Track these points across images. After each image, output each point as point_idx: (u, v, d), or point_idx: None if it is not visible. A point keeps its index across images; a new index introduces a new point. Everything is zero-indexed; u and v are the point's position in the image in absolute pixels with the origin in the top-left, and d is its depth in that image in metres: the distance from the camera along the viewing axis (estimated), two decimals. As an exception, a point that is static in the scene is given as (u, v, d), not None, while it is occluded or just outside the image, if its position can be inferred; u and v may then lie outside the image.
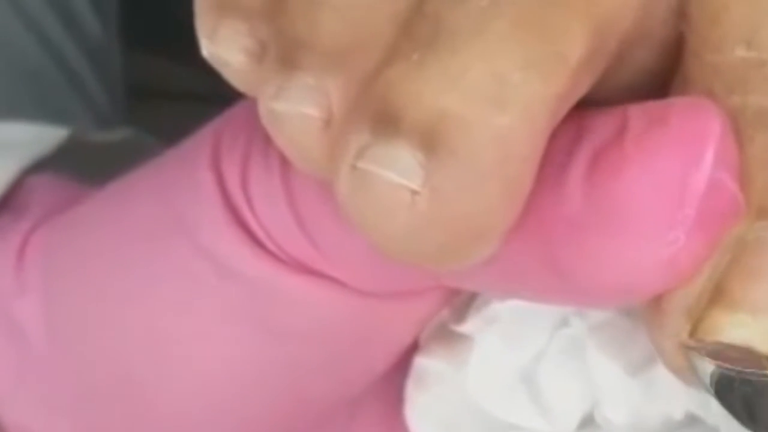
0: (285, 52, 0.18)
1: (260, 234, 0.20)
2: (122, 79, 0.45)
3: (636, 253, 0.17)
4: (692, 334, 0.17)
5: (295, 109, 0.17)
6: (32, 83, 0.41)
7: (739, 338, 0.16)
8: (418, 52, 0.16)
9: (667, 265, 0.17)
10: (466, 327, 0.22)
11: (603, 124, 0.17)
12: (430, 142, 0.16)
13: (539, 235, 0.17)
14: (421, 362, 0.22)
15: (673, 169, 0.16)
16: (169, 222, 0.21)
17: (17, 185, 0.25)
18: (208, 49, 0.19)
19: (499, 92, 0.16)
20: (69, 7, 0.43)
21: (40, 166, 0.26)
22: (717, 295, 0.17)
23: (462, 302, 0.22)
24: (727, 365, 0.17)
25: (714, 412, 0.20)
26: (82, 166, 0.27)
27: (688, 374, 0.17)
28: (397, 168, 0.16)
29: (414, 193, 0.16)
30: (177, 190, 0.21)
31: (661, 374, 0.20)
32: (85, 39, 0.43)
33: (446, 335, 0.22)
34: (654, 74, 0.18)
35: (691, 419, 0.21)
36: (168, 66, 0.54)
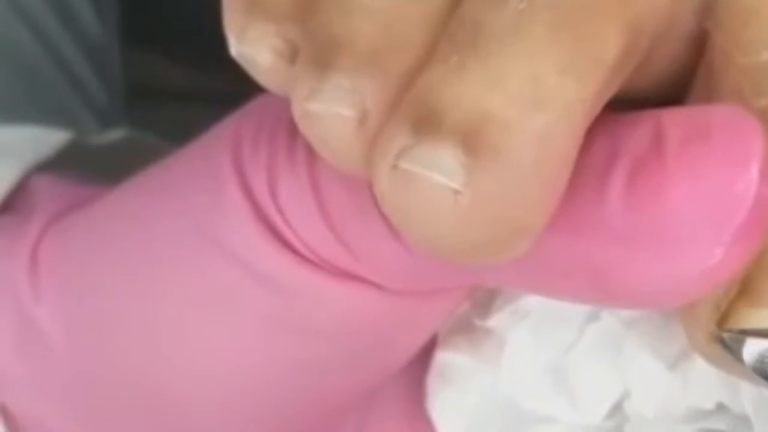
0: (318, 53, 0.18)
1: (292, 239, 0.20)
2: (122, 79, 0.45)
3: (678, 269, 0.17)
4: (720, 324, 0.17)
5: (330, 109, 0.17)
6: (30, 81, 0.41)
7: (763, 327, 0.17)
8: (457, 55, 0.17)
9: (708, 277, 0.17)
10: (492, 322, 0.22)
11: (638, 133, 0.17)
12: (471, 142, 0.16)
13: (579, 243, 0.17)
14: (445, 357, 0.23)
15: (718, 187, 0.17)
16: (194, 229, 0.21)
17: (21, 187, 0.25)
18: (236, 49, 0.19)
19: (537, 94, 0.16)
20: (68, 6, 0.43)
21: (41, 168, 0.26)
22: (744, 289, 0.17)
23: (484, 297, 0.22)
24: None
25: (743, 401, 0.21)
26: (83, 167, 0.27)
27: (720, 362, 0.18)
28: (439, 168, 0.16)
29: (456, 192, 0.16)
30: (200, 196, 0.21)
31: (696, 368, 0.21)
32: (84, 38, 0.43)
33: (470, 330, 0.22)
34: (678, 67, 0.19)
35: (719, 408, 0.21)
36: (167, 66, 0.54)
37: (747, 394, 0.20)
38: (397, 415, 0.23)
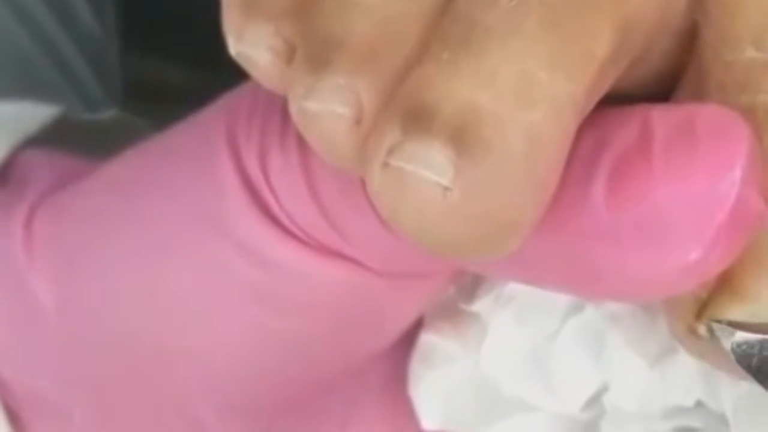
0: (314, 52, 0.18)
1: (282, 217, 0.21)
2: (119, 78, 0.45)
3: (660, 265, 0.17)
4: (699, 316, 0.17)
5: (327, 108, 0.18)
6: (27, 79, 0.41)
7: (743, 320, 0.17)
8: (449, 52, 0.17)
9: (690, 274, 0.17)
10: (476, 306, 0.22)
11: (625, 129, 0.18)
12: (461, 138, 0.16)
13: (564, 236, 0.18)
14: (429, 339, 0.23)
15: (701, 188, 0.17)
16: (186, 201, 0.22)
17: (11, 163, 0.26)
18: (235, 48, 0.20)
19: (527, 90, 0.16)
20: (66, 5, 0.43)
21: (30, 143, 0.26)
22: (723, 282, 0.17)
23: (469, 281, 0.22)
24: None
25: (722, 400, 0.21)
26: (73, 145, 0.27)
27: (701, 353, 0.18)
28: (428, 165, 0.16)
29: (445, 188, 0.16)
30: (193, 171, 0.22)
31: (677, 365, 0.21)
32: (82, 37, 0.43)
33: (455, 313, 0.23)
34: (671, 63, 0.19)
35: (697, 406, 0.21)
36: (165, 66, 0.54)
37: (726, 393, 0.21)
38: (384, 399, 0.24)
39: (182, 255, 0.22)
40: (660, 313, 0.20)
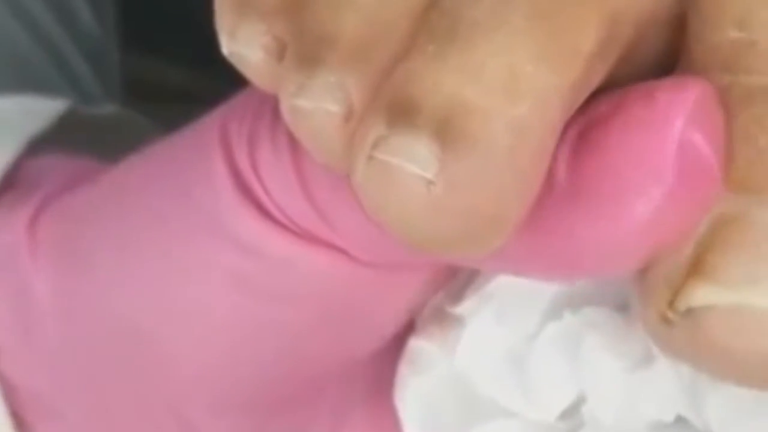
0: (304, 50, 0.18)
1: (271, 208, 0.21)
2: (119, 78, 0.45)
3: (619, 223, 0.17)
4: (671, 304, 0.17)
5: (317, 105, 0.18)
6: (27, 79, 0.41)
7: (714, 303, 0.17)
8: (435, 45, 0.17)
9: (646, 230, 0.17)
10: (461, 308, 0.22)
11: (600, 105, 0.18)
12: (445, 132, 0.16)
13: (540, 222, 0.18)
14: (416, 344, 0.23)
15: (649, 140, 0.17)
16: (186, 206, 0.22)
17: (20, 164, 0.26)
18: (228, 47, 0.20)
19: (512, 83, 0.16)
20: (66, 6, 0.43)
21: (37, 140, 0.26)
22: (696, 266, 0.17)
23: (459, 285, 0.22)
24: None
25: (707, 414, 0.20)
26: (75, 140, 0.27)
27: (672, 346, 0.18)
28: (412, 158, 0.16)
29: (429, 182, 0.16)
30: (188, 168, 0.22)
31: (655, 377, 0.21)
32: (82, 37, 0.43)
33: (442, 318, 0.22)
34: (662, 55, 0.19)
35: (678, 421, 0.21)
36: (163, 66, 0.54)
37: (712, 407, 0.20)
38: (369, 405, 0.24)
39: (179, 251, 0.22)
40: (638, 318, 0.20)
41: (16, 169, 0.25)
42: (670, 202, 0.17)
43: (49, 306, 0.23)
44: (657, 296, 0.17)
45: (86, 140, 0.27)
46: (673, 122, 0.17)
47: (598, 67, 0.17)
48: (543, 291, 0.22)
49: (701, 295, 0.17)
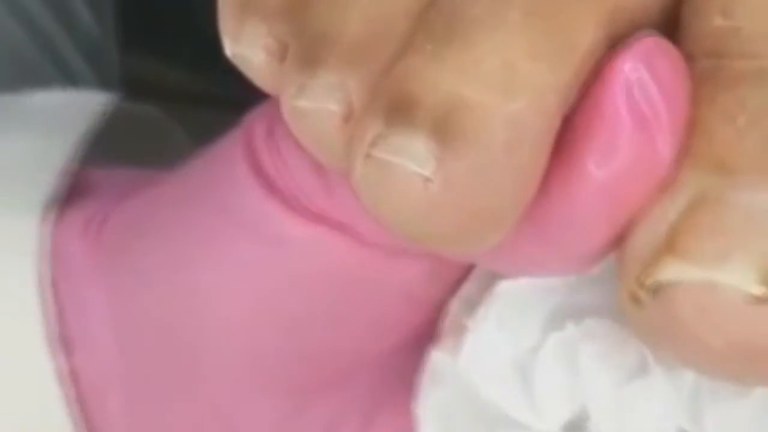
0: (305, 51, 0.18)
1: (288, 194, 0.21)
2: (118, 76, 0.45)
3: (581, 172, 0.17)
4: (642, 281, 0.17)
5: (318, 105, 0.18)
6: (27, 80, 0.41)
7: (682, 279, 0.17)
8: (432, 43, 0.17)
9: (612, 177, 0.17)
10: (473, 319, 0.22)
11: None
12: (443, 129, 0.16)
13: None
14: (436, 356, 0.23)
15: (600, 85, 0.17)
16: (211, 200, 0.22)
17: (74, 172, 0.26)
18: (231, 49, 0.20)
19: (509, 80, 0.16)
20: (65, 5, 0.43)
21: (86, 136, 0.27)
22: (668, 245, 0.17)
23: (475, 295, 0.22)
24: None
25: (705, 425, 0.20)
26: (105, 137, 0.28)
27: (647, 330, 0.17)
28: (409, 156, 0.16)
29: (426, 180, 0.16)
30: (217, 172, 0.23)
31: (653, 387, 0.21)
32: (82, 38, 0.43)
33: (459, 330, 0.22)
34: None
35: None
36: (162, 67, 0.54)
37: (712, 420, 0.20)
38: (400, 416, 0.24)
39: (208, 246, 0.22)
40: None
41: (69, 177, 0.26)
42: (629, 145, 0.17)
43: (104, 315, 0.23)
44: (628, 275, 0.17)
45: (121, 137, 0.28)
46: (621, 67, 0.17)
47: (595, 63, 0.17)
48: (544, 298, 0.22)
49: (670, 271, 0.16)
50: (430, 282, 0.22)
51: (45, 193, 0.25)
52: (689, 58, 0.18)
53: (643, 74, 0.17)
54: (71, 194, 0.25)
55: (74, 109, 0.27)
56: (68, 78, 0.42)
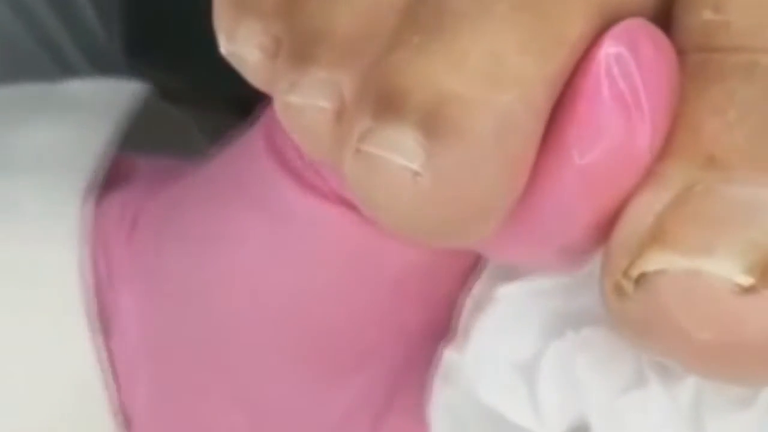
0: (297, 47, 0.18)
1: (305, 173, 0.22)
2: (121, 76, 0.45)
3: (568, 152, 0.17)
4: (626, 271, 0.17)
5: (309, 102, 0.18)
6: (25, 76, 0.41)
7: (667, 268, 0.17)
8: (420, 36, 0.17)
9: (598, 159, 0.17)
10: (475, 323, 0.22)
11: None
12: (431, 122, 0.16)
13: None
14: (449, 356, 0.23)
15: (584, 66, 0.17)
16: (247, 203, 0.23)
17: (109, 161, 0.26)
18: (226, 48, 0.20)
19: (497, 72, 0.16)
20: (71, 10, 0.43)
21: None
22: (654, 235, 0.17)
23: (483, 294, 0.23)
24: None
25: None
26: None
27: (630, 324, 0.17)
28: (398, 150, 0.17)
29: (415, 173, 0.17)
30: (247, 175, 0.23)
31: (649, 397, 0.21)
32: (88, 42, 0.43)
33: (466, 329, 0.23)
34: None
35: None
36: (164, 68, 0.54)
37: (712, 429, 0.20)
38: (414, 414, 0.24)
39: (242, 242, 0.23)
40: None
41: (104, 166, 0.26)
42: (609, 121, 0.17)
43: (131, 308, 0.24)
44: (613, 265, 0.17)
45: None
46: (601, 44, 0.17)
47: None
48: (543, 304, 0.22)
49: (655, 260, 0.16)
50: (430, 273, 0.23)
51: (86, 178, 0.25)
52: (680, 52, 0.18)
53: (623, 51, 0.17)
54: (109, 179, 0.26)
55: (110, 97, 0.28)
56: (66, 71, 0.42)
